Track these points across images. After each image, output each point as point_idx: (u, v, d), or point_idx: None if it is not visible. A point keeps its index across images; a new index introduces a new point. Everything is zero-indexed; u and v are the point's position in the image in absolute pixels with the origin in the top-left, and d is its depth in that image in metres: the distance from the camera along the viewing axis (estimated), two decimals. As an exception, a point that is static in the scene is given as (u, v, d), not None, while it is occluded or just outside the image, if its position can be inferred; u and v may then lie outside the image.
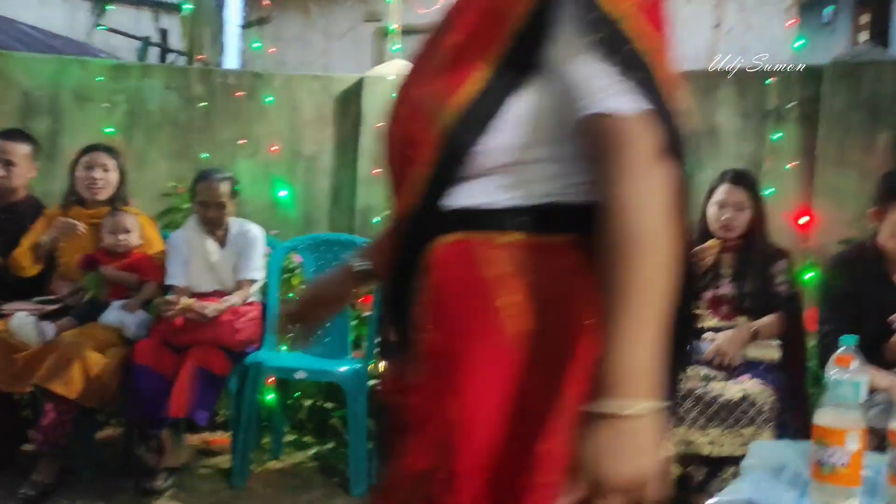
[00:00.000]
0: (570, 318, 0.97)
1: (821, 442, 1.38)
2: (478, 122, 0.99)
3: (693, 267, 1.06)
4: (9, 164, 3.29)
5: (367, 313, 3.41)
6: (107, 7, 6.35)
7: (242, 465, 3.09)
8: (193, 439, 3.36)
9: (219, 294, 3.21)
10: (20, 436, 3.26)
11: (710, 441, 2.54)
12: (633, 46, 0.93)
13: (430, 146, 1.01)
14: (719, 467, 2.54)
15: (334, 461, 3.32)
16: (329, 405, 3.62)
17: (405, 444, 1.02)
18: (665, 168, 0.93)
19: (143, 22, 7.90)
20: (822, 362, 2.62)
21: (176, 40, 6.43)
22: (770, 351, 2.83)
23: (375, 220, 4.07)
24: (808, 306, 2.97)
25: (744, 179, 2.92)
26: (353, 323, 3.49)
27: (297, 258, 3.65)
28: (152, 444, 3.01)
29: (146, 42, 6.48)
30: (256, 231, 3.34)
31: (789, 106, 3.62)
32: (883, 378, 2.40)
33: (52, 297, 3.23)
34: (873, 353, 2.45)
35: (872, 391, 2.37)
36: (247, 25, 8.94)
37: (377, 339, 2.97)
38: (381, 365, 1.30)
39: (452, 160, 1.00)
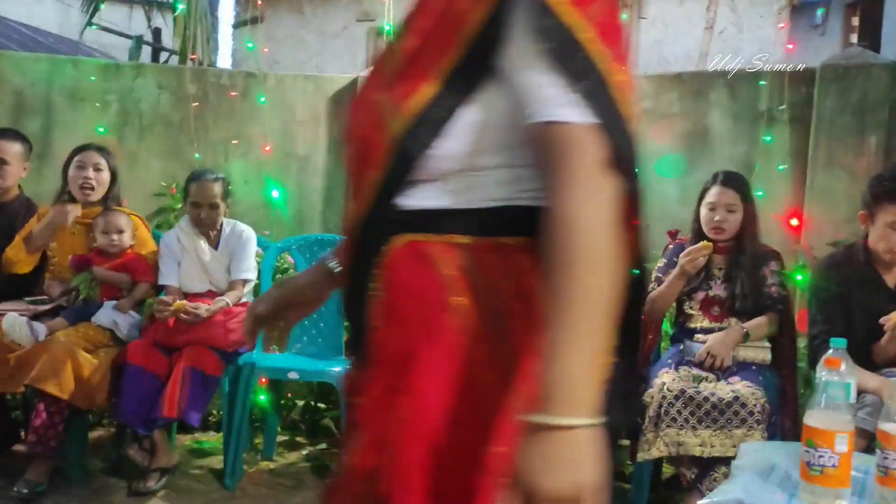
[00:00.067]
0: (524, 318, 0.97)
1: (810, 443, 1.40)
2: (429, 129, 0.99)
3: (644, 278, 1.06)
4: (1, 163, 3.28)
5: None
6: (99, 6, 6.32)
7: (235, 466, 3.09)
8: (185, 440, 3.36)
9: (211, 294, 3.21)
10: (12, 436, 3.26)
11: (701, 442, 2.55)
12: (586, 56, 0.93)
13: (383, 151, 1.02)
14: (710, 468, 2.56)
15: (327, 461, 3.32)
16: (322, 405, 3.62)
17: (356, 442, 1.03)
18: (611, 180, 0.92)
19: (135, 21, 7.89)
20: (812, 364, 2.65)
21: (169, 39, 6.42)
22: (761, 352, 2.84)
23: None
24: (799, 308, 2.99)
25: (735, 181, 2.93)
26: (346, 324, 3.49)
27: (289, 258, 3.66)
28: (144, 444, 3.01)
29: (139, 41, 6.46)
30: (249, 231, 3.34)
31: (781, 108, 3.64)
32: (872, 379, 2.41)
33: (44, 297, 3.22)
34: (863, 355, 2.47)
35: (861, 393, 2.39)
36: (239, 25, 8.93)
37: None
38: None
39: (403, 165, 1.01)
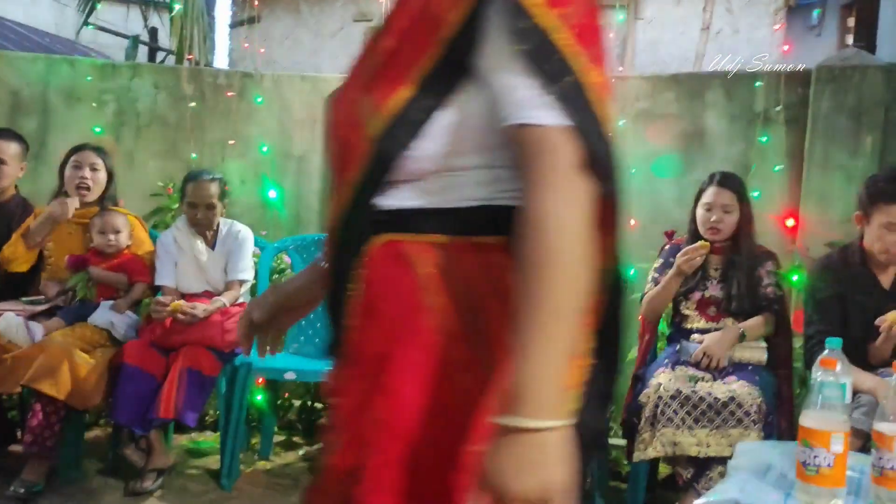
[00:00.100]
0: (502, 318, 0.96)
1: (806, 443, 1.40)
2: (407, 130, 0.99)
3: (624, 281, 1.06)
4: (-2, 162, 3.28)
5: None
6: (96, 5, 6.30)
7: (231, 466, 3.09)
8: (182, 440, 3.36)
9: (208, 295, 3.21)
10: (8, 436, 3.26)
11: (698, 441, 2.55)
12: (561, 58, 0.92)
13: (361, 151, 1.02)
14: (706, 467, 2.56)
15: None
16: (319, 405, 3.62)
17: (335, 442, 1.03)
18: (585, 182, 0.92)
19: (132, 20, 7.87)
20: (808, 364, 2.65)
21: (165, 39, 6.41)
22: (757, 352, 2.85)
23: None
24: (795, 308, 2.99)
25: (731, 182, 2.94)
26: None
27: (286, 259, 3.66)
28: (141, 444, 3.01)
29: (135, 40, 6.44)
30: (246, 231, 3.34)
31: (777, 109, 3.65)
32: (867, 379, 2.42)
33: (40, 297, 3.22)
34: (858, 355, 2.48)
35: (857, 393, 2.39)
36: (236, 25, 8.92)
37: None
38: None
39: (382, 166, 1.01)
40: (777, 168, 3.63)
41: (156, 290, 3.23)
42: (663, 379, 2.69)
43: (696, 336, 2.90)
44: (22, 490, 2.81)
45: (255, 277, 3.37)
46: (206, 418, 3.59)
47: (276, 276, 3.63)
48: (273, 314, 1.29)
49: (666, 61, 7.73)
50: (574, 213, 0.91)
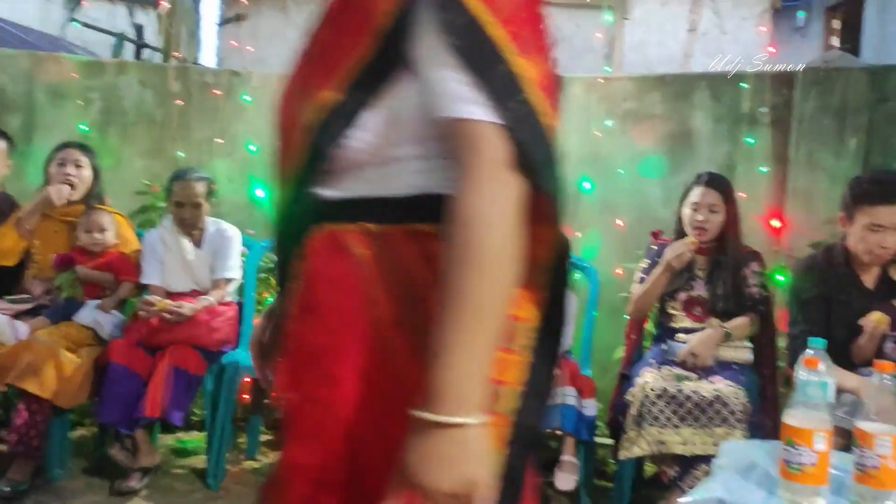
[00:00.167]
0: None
1: (790, 441, 1.42)
2: (343, 121, 0.99)
3: (564, 277, 1.05)
4: (-17, 160, 3.26)
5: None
6: (81, 1, 6.26)
7: (218, 465, 3.08)
8: (168, 439, 3.34)
9: (195, 294, 3.20)
10: (-7, 436, 3.24)
11: (683, 440, 2.57)
12: (493, 51, 0.91)
13: (299, 143, 1.03)
14: (691, 466, 2.58)
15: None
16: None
17: (285, 437, 1.03)
18: (514, 179, 0.91)
19: (118, 17, 7.82)
20: (792, 363, 2.67)
21: (152, 36, 6.37)
22: (742, 352, 2.87)
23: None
24: (779, 308, 3.02)
25: (717, 182, 2.96)
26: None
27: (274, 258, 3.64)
28: (127, 444, 3.00)
29: (121, 38, 6.39)
30: (233, 230, 3.33)
31: (763, 110, 3.67)
32: (850, 379, 2.44)
33: (26, 296, 3.20)
34: (842, 355, 2.50)
35: (840, 392, 2.41)
36: (224, 23, 8.88)
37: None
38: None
39: (318, 156, 1.01)
40: (762, 169, 3.65)
41: (142, 288, 3.22)
42: (650, 378, 2.70)
43: (681, 336, 2.91)
44: (7, 489, 2.79)
45: (243, 276, 3.36)
46: (193, 418, 3.57)
47: (264, 275, 3.62)
48: (281, 332, 1.30)
49: (652, 62, 7.76)
50: (499, 211, 0.90)
